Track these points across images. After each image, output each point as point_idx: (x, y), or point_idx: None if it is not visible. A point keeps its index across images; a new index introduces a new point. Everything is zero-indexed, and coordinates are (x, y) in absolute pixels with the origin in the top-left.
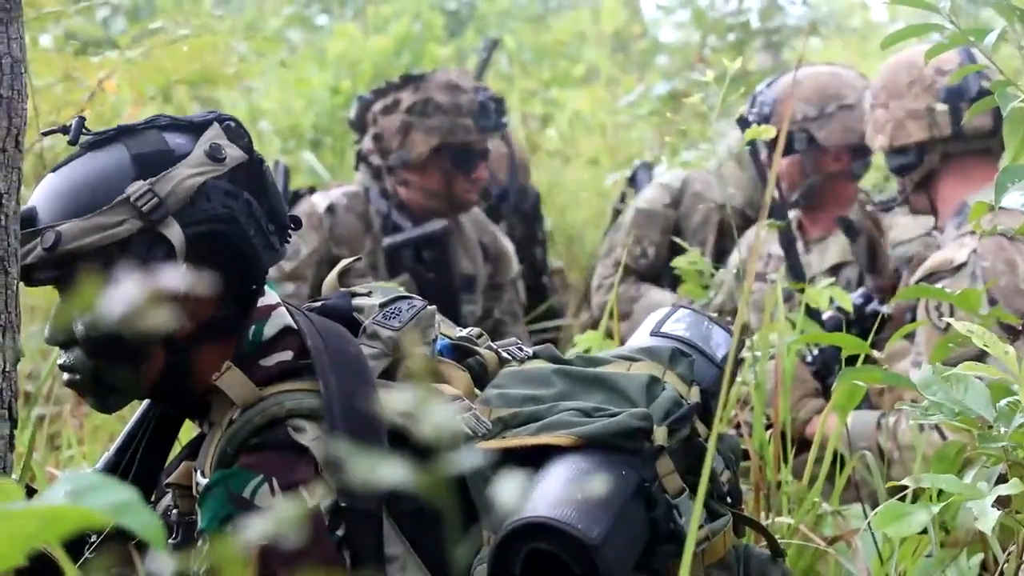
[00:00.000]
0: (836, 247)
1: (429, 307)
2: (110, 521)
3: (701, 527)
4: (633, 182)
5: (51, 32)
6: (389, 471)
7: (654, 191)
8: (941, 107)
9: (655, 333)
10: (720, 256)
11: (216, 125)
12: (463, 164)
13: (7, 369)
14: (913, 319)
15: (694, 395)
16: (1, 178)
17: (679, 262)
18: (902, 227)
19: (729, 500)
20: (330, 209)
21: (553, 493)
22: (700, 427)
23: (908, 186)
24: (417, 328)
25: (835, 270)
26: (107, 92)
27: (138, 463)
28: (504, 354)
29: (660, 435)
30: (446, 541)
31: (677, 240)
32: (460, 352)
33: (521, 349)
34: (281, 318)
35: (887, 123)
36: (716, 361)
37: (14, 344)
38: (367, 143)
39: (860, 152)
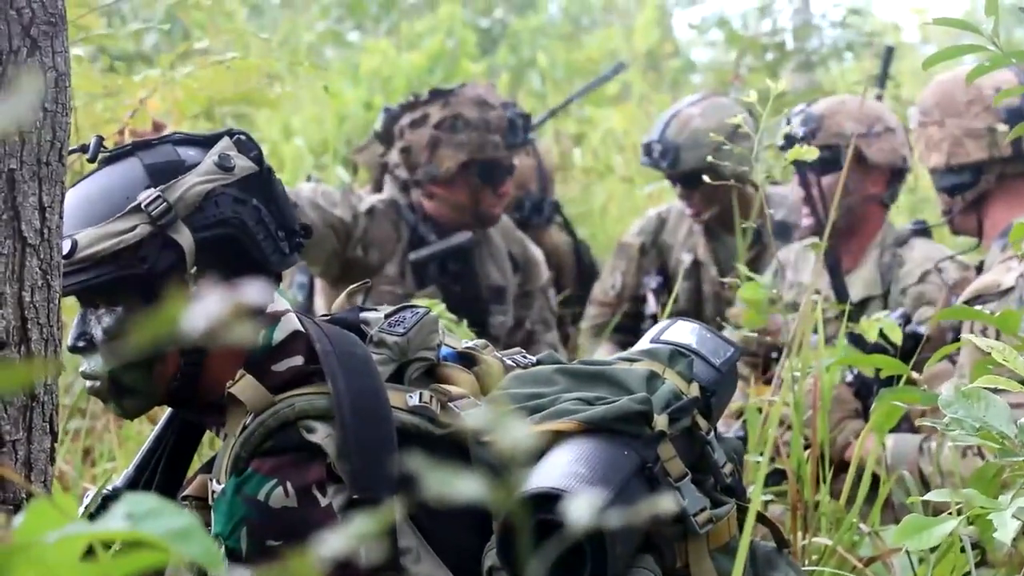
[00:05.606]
0: (862, 281)
1: (431, 314)
2: (170, 549)
3: (704, 510)
4: None
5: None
6: (464, 485)
7: (633, 227)
8: (1003, 127)
9: (655, 341)
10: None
11: (227, 138)
12: (490, 179)
13: (48, 382)
14: (955, 340)
15: (693, 391)
16: (45, 192)
17: (743, 293)
18: (919, 254)
19: (732, 494)
20: (370, 212)
21: (557, 469)
22: (702, 422)
23: (958, 206)
24: (421, 332)
25: (862, 304)
26: (148, 110)
27: (158, 479)
28: (509, 362)
29: (661, 422)
30: (458, 532)
31: (741, 275)
32: (465, 360)
33: (525, 357)
34: (290, 323)
35: (943, 141)
36: (715, 365)
37: (56, 357)
38: (394, 156)
39: (894, 179)
